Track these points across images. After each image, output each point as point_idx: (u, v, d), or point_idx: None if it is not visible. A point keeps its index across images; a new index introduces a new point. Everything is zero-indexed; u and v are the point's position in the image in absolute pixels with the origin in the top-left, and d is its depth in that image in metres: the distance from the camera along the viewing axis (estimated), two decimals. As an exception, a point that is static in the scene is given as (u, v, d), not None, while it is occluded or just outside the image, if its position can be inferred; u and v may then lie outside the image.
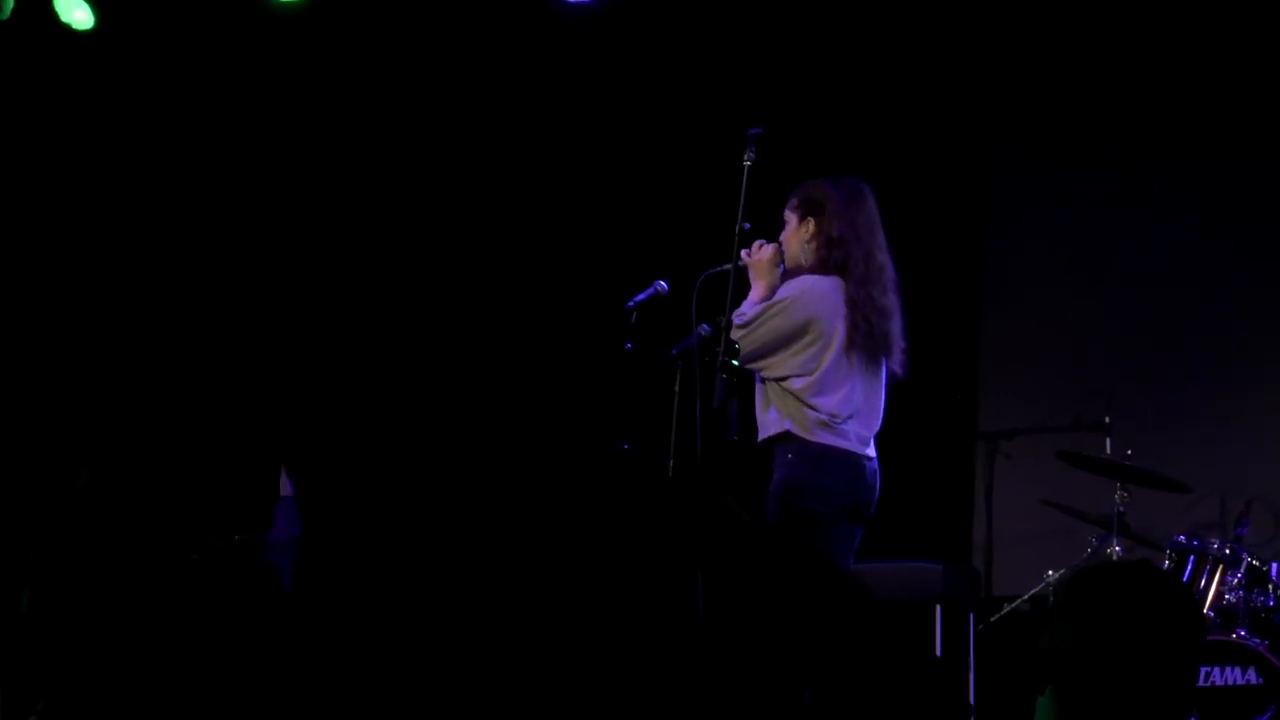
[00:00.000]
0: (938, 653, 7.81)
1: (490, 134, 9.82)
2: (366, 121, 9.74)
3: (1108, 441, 8.05)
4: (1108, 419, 8.13)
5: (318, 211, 9.68)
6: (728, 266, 6.48)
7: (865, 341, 6.37)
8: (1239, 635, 7.00)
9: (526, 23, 9.57)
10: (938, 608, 7.89)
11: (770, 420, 6.45)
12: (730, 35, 9.55)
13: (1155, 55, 9.42)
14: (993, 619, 8.19)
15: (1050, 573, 7.93)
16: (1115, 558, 7.51)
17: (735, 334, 6.33)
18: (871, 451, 6.43)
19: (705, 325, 6.70)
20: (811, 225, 6.50)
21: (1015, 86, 9.76)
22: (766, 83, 9.36)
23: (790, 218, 6.59)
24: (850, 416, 6.32)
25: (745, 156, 6.26)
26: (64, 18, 9.28)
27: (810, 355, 6.35)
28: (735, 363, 6.21)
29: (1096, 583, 2.96)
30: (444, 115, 9.81)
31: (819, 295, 6.39)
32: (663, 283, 6.80)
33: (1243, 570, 7.14)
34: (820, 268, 6.46)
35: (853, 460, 6.31)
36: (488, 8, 9.61)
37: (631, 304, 6.75)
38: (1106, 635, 2.89)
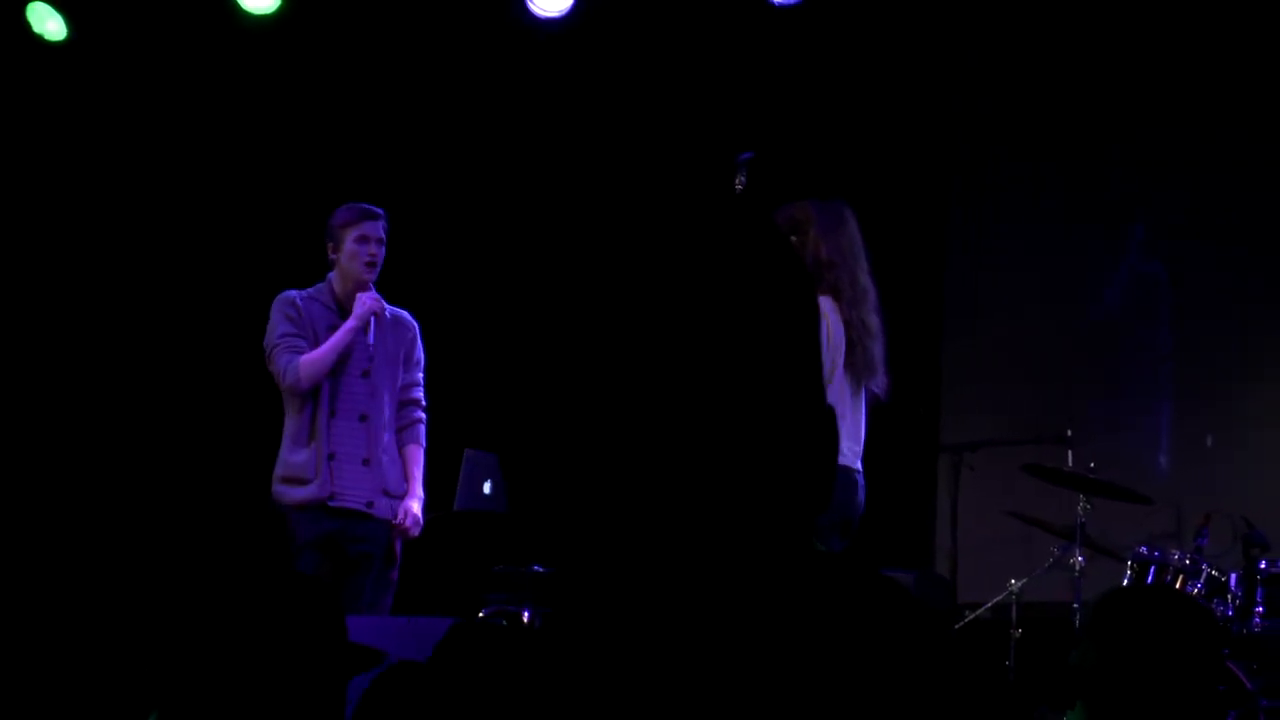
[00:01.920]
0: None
1: (471, 150, 9.95)
2: (338, 133, 9.81)
3: (1069, 454, 8.23)
4: (1069, 432, 8.32)
5: (286, 222, 9.75)
6: None
7: (858, 362, 6.53)
8: (1200, 644, 7.16)
9: (507, 45, 9.69)
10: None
11: None
12: (697, 59, 9.69)
13: (1106, 76, 9.63)
14: (957, 626, 8.35)
15: (1013, 581, 8.09)
16: (1078, 568, 7.68)
17: None
18: (860, 467, 6.60)
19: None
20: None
21: (974, 111, 9.96)
22: (729, 108, 9.52)
23: None
24: (845, 435, 6.47)
25: (736, 181, 6.41)
26: (36, 29, 9.35)
27: None
28: None
29: (1123, 604, 3.13)
30: (417, 129, 9.91)
31: (823, 315, 6.54)
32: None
33: (1203, 581, 7.30)
34: None
35: (850, 476, 6.48)
36: (461, 22, 9.71)
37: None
38: (1133, 653, 3.06)
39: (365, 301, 7.11)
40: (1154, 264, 9.60)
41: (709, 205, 1.71)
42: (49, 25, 9.43)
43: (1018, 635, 7.92)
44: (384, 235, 7.18)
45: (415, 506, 7.25)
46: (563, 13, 9.27)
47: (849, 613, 1.62)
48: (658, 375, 1.60)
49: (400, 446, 7.34)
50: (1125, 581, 7.40)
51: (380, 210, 7.23)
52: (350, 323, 7.07)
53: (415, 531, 7.25)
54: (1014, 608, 8.03)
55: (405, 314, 7.39)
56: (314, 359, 7.01)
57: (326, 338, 7.05)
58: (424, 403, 7.46)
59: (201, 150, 9.87)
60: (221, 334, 9.36)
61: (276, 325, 7.08)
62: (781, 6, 9.13)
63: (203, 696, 2.95)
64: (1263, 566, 7.18)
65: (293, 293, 7.17)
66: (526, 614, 8.01)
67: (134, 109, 9.80)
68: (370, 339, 7.17)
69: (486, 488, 8.26)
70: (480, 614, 8.12)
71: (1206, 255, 9.47)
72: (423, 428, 7.44)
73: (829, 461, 1.64)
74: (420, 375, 7.46)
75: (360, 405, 7.14)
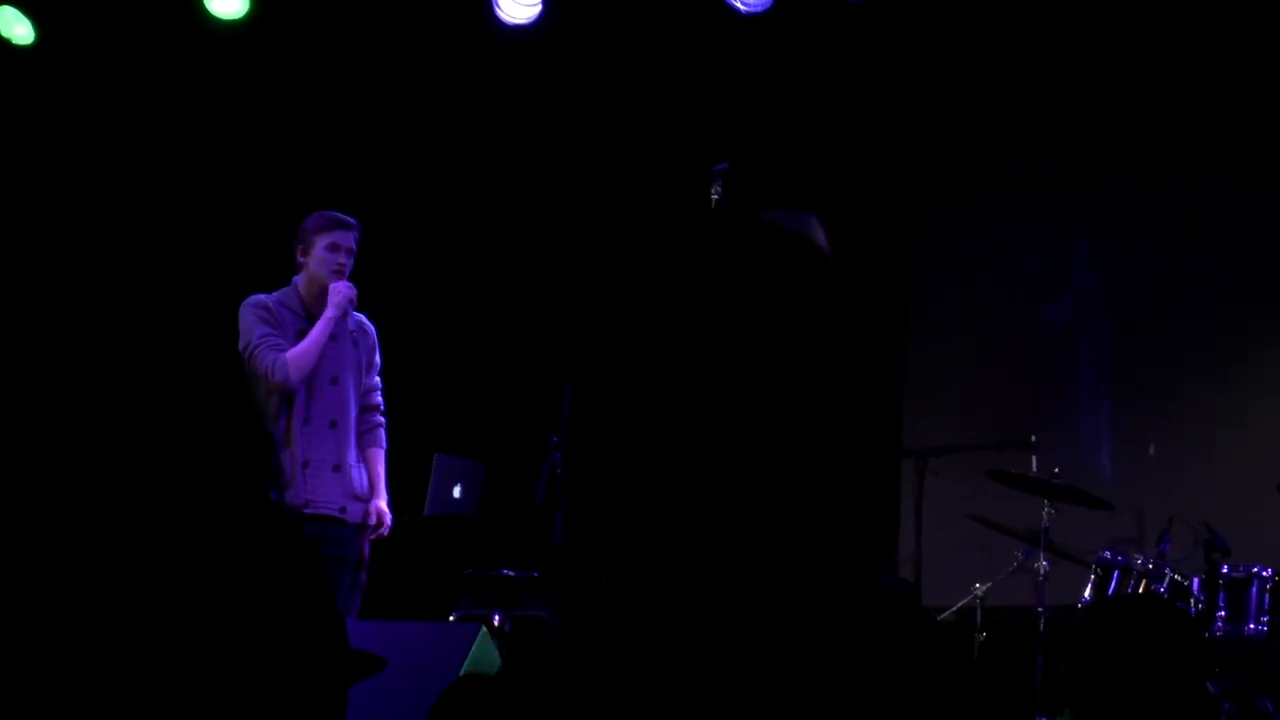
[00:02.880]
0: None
1: (441, 157, 9.99)
2: (306, 138, 9.84)
3: (1033, 459, 8.33)
4: (1033, 437, 8.41)
5: (252, 226, 9.77)
6: None
7: None
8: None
9: (476, 52, 9.75)
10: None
11: None
12: (664, 67, 9.77)
13: (1064, 83, 9.74)
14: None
15: (978, 585, 8.18)
16: (1042, 573, 7.76)
17: None
18: None
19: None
20: None
21: (940, 118, 10.05)
22: (697, 115, 9.61)
23: None
24: None
25: (712, 191, 6.45)
26: (4, 32, 9.35)
27: None
28: None
29: (1111, 613, 3.21)
30: (386, 136, 9.94)
31: None
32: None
33: (1165, 585, 7.38)
34: None
35: None
36: (430, 29, 9.75)
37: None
38: (1120, 661, 3.13)
39: (341, 290, 7.13)
40: (1116, 270, 9.72)
41: (736, 223, 1.76)
42: (16, 29, 9.43)
43: (982, 639, 8.01)
44: (355, 247, 7.23)
45: (383, 504, 7.30)
46: (531, 20, 9.34)
47: (868, 629, 1.67)
48: (688, 392, 1.65)
49: (363, 449, 7.38)
50: (1089, 586, 7.50)
51: (354, 221, 7.27)
52: (330, 311, 7.10)
53: (386, 531, 7.30)
54: (978, 611, 8.13)
55: (365, 319, 7.45)
56: (300, 353, 7.03)
57: (296, 342, 7.09)
58: (383, 406, 7.52)
59: (169, 154, 9.87)
60: (186, 334, 9.36)
61: (253, 327, 7.08)
62: (748, 14, 9.22)
63: (204, 702, 2.97)
64: (1224, 571, 7.27)
65: (261, 296, 7.20)
66: (496, 617, 8.07)
67: (102, 113, 9.79)
68: (341, 347, 7.21)
69: (456, 492, 8.31)
70: (451, 617, 8.18)
71: (1170, 261, 9.59)
72: (383, 431, 7.49)
73: (851, 478, 1.70)
74: (379, 380, 7.52)
75: (330, 412, 7.17)
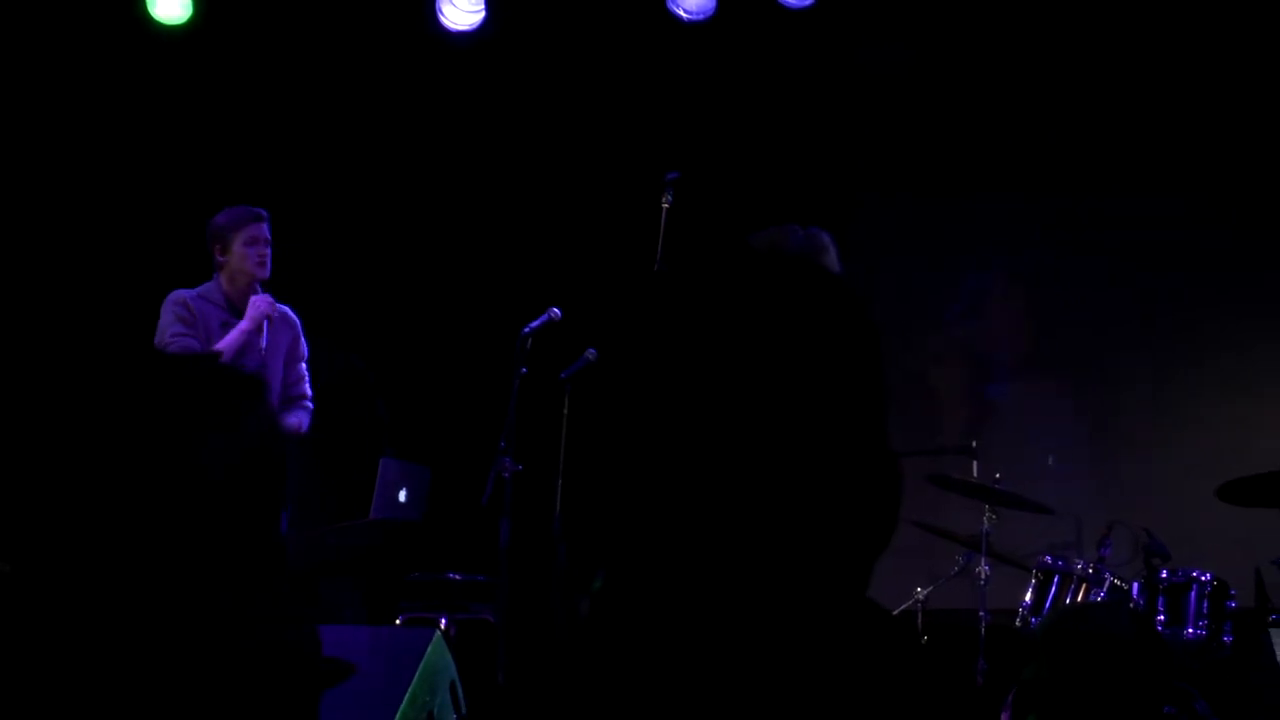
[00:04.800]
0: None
1: (398, 159, 10.02)
2: (248, 142, 9.83)
3: (974, 465, 8.41)
4: (974, 444, 8.49)
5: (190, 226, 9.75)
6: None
7: None
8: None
9: (418, 58, 9.77)
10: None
11: None
12: (608, 73, 9.82)
13: (992, 110, 9.89)
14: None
15: (919, 589, 8.26)
16: (983, 576, 7.84)
17: None
18: None
19: (592, 350, 7.06)
20: None
21: (873, 142, 10.13)
22: (641, 122, 9.67)
23: None
24: None
25: (664, 199, 6.51)
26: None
27: None
28: None
29: (1075, 620, 3.27)
30: (327, 141, 9.94)
31: None
32: (555, 310, 7.14)
33: (1105, 589, 7.48)
34: None
35: None
36: (373, 35, 9.76)
37: (527, 330, 7.08)
38: (1083, 666, 3.20)
39: (259, 305, 7.23)
40: (1053, 280, 9.86)
41: (759, 262, 1.79)
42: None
43: (923, 642, 8.09)
44: (269, 236, 7.30)
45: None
46: (474, 26, 9.37)
47: (891, 660, 1.71)
48: (721, 428, 1.67)
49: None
50: (1029, 590, 7.60)
51: (264, 211, 7.35)
52: (244, 324, 7.19)
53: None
54: (919, 615, 8.22)
55: (289, 310, 7.50)
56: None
57: (220, 335, 7.15)
58: (310, 394, 7.58)
59: (112, 158, 9.84)
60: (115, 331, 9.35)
61: (168, 325, 7.17)
62: (690, 22, 9.28)
63: (176, 710, 2.98)
64: (1164, 576, 7.36)
65: (183, 292, 7.27)
66: (443, 621, 8.10)
67: (43, 117, 9.74)
68: (263, 340, 7.26)
69: (402, 496, 8.33)
70: (397, 620, 8.20)
71: (1107, 269, 9.73)
72: (306, 415, 7.56)
73: (893, 505, 1.74)
74: (305, 368, 7.58)
75: None
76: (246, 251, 7.23)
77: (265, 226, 7.31)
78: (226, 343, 7.11)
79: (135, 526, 2.45)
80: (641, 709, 1.67)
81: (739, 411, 1.67)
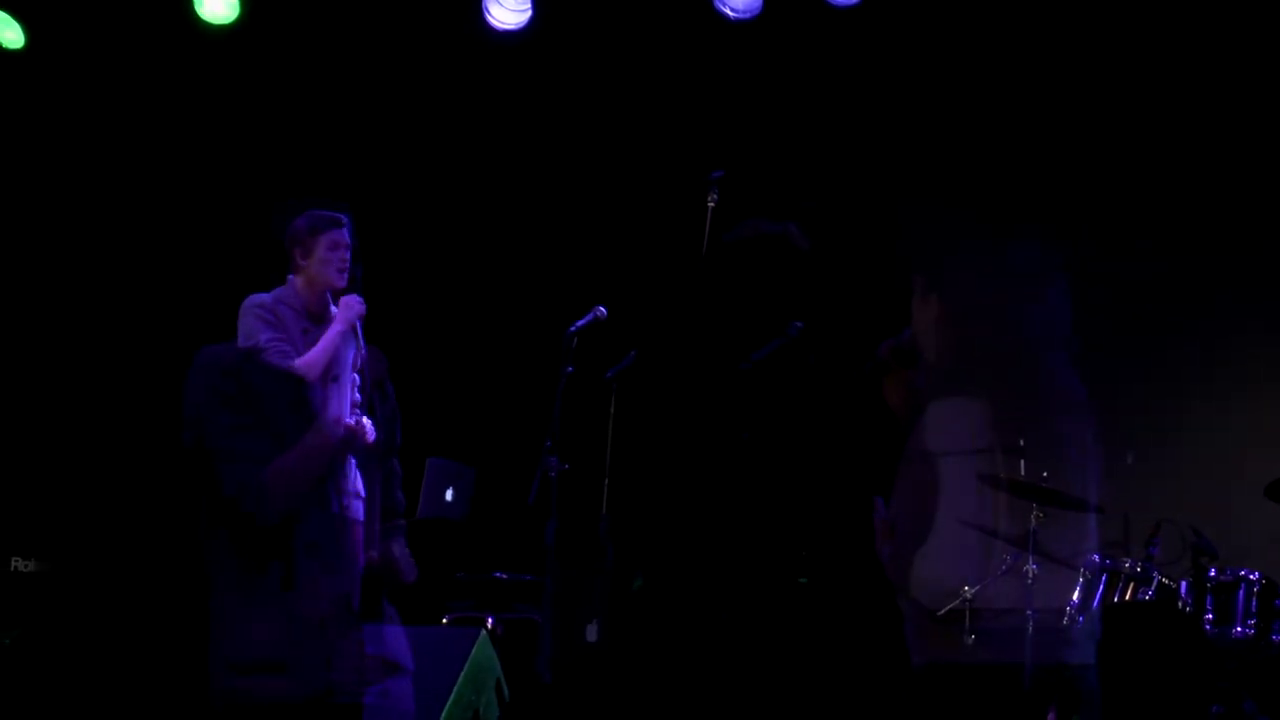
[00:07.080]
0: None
1: (445, 158, 10.03)
2: (297, 143, 9.86)
3: (1022, 464, 8.34)
4: (1022, 442, 8.43)
5: (244, 227, 9.79)
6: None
7: None
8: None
9: (466, 57, 9.79)
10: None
11: None
12: (655, 72, 9.82)
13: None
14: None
15: (967, 588, 8.21)
16: (1031, 575, 7.78)
17: None
18: None
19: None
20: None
21: (925, 125, 10.10)
22: (687, 120, 9.67)
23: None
24: None
25: (709, 198, 6.49)
26: (-4, 38, 9.40)
27: None
28: None
29: (1126, 618, 3.26)
30: (376, 141, 9.97)
31: None
32: (601, 309, 7.11)
33: (1154, 588, 7.43)
34: None
35: None
36: (420, 34, 9.77)
37: (573, 329, 7.05)
38: (1133, 664, 3.19)
39: (353, 305, 6.93)
40: (1103, 274, 9.79)
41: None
42: (7, 34, 9.46)
43: (971, 640, 8.04)
44: (350, 241, 7.12)
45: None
46: (521, 25, 9.39)
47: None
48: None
49: None
50: (1077, 590, 7.55)
51: (345, 216, 7.18)
52: (338, 325, 6.91)
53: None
54: (967, 614, 8.17)
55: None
56: (309, 363, 6.84)
57: (303, 341, 6.91)
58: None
59: (161, 157, 9.89)
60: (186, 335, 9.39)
61: (257, 330, 6.81)
62: (737, 20, 9.27)
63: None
64: (1211, 574, 7.33)
65: (261, 296, 6.99)
66: (490, 620, 8.11)
67: (93, 119, 9.81)
68: (361, 347, 7.09)
69: (448, 495, 8.33)
70: (443, 620, 8.21)
71: (1152, 270, 9.67)
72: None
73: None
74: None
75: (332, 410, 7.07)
76: (329, 257, 6.95)
77: (347, 232, 7.09)
78: (319, 349, 6.86)
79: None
80: (680, 704, 1.70)
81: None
